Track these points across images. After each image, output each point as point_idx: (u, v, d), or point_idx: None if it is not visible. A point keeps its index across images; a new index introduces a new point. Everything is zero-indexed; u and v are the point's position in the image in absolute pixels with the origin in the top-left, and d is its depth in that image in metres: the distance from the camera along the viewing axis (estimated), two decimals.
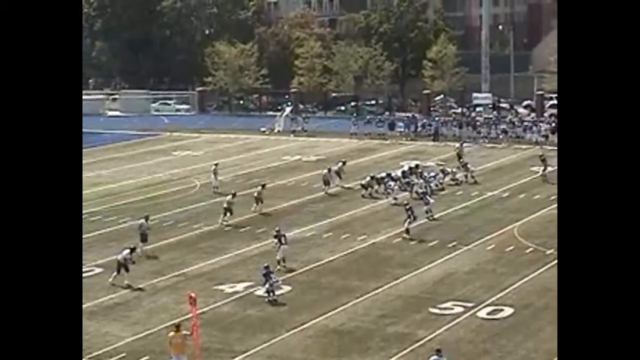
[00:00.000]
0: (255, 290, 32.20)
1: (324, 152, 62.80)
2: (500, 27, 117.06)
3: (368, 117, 74.41)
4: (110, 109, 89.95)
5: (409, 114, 75.81)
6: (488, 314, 29.63)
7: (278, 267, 33.96)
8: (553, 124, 65.00)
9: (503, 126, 67.35)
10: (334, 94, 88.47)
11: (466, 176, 50.98)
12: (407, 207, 39.82)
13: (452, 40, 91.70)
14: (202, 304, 28.89)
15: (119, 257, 33.43)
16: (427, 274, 34.27)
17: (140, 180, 54.11)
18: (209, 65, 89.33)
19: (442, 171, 50.51)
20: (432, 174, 49.09)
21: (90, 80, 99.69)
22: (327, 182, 48.38)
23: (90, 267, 34.95)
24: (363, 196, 46.99)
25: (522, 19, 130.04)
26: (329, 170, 49.30)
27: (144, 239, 37.02)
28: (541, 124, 67.15)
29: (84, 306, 25.90)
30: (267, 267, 31.41)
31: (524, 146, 63.30)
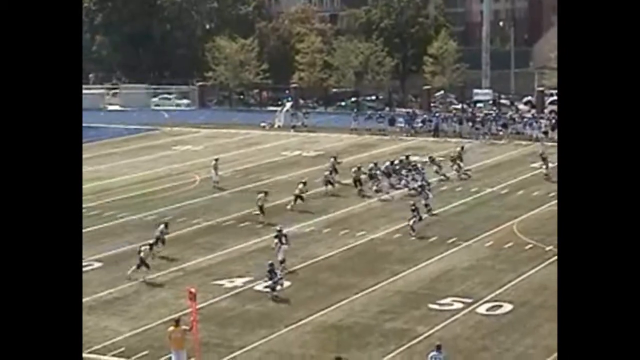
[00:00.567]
0: (254, 286, 32.24)
1: (324, 147, 62.74)
2: (501, 23, 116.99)
3: (368, 112, 74.36)
4: (111, 104, 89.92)
5: (410, 110, 75.77)
6: (487, 310, 29.64)
7: (279, 267, 33.72)
8: (553, 120, 64.95)
9: (503, 122, 67.35)
10: (334, 90, 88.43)
11: (458, 171, 51.09)
12: (413, 207, 39.49)
13: (453, 36, 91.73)
14: (201, 299, 28.90)
15: (141, 254, 33.33)
16: (426, 270, 34.28)
17: (139, 175, 54.10)
18: (209, 60, 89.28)
19: (432, 161, 50.95)
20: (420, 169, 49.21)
21: (91, 75, 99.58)
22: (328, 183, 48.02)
23: (89, 262, 34.96)
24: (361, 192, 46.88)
25: (522, 15, 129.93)
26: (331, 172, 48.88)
27: (162, 242, 36.45)
28: (541, 120, 67.12)
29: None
30: (271, 265, 31.50)
31: (524, 142, 63.27)
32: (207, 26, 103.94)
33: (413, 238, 38.29)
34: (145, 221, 41.95)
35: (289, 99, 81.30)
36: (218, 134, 70.62)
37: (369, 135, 67.77)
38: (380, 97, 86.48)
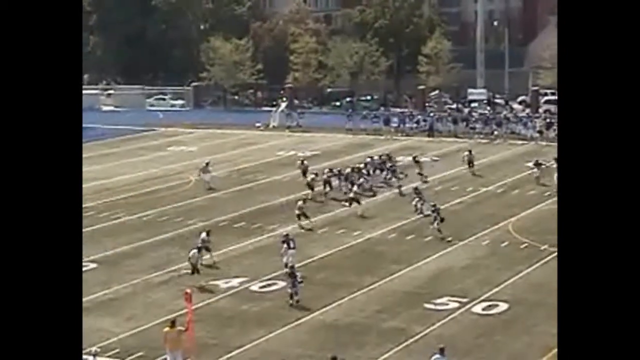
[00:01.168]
0: (250, 286, 32.26)
1: (319, 147, 62.80)
2: (495, 23, 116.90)
3: (363, 112, 74.46)
4: (105, 104, 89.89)
5: (404, 110, 75.88)
6: (483, 309, 29.69)
7: (285, 270, 33.19)
8: (548, 120, 65.12)
9: (498, 121, 67.44)
10: (329, 90, 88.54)
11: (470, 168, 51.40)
12: (434, 207, 39.28)
13: (447, 35, 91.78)
14: (197, 300, 28.94)
15: (192, 260, 32.91)
16: (422, 269, 34.32)
17: (134, 175, 54.07)
18: (204, 60, 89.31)
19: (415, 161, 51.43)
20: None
21: (86, 75, 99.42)
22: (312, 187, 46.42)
23: (85, 263, 34.93)
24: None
25: (517, 15, 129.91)
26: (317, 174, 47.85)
27: (207, 249, 36.04)
28: (536, 120, 67.28)
29: None
30: (292, 268, 30.95)
31: (518, 142, 63.38)
32: (202, 27, 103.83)
33: (409, 237, 38.33)
34: (141, 222, 41.96)
35: (284, 99, 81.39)
36: (213, 134, 70.64)
37: (364, 135, 67.84)
38: (375, 97, 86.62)
